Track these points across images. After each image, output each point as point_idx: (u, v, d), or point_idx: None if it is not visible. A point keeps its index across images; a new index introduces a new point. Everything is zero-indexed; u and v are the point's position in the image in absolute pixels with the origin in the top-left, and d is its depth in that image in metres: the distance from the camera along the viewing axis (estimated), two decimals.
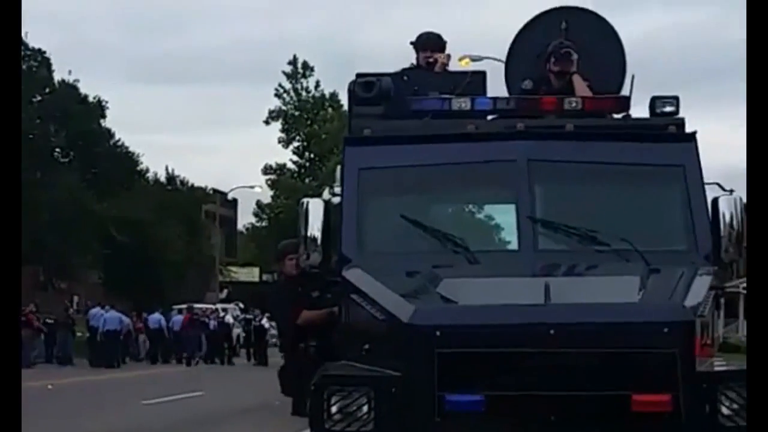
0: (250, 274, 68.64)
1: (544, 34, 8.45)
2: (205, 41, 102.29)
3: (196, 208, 62.23)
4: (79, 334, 38.27)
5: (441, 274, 7.14)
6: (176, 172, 61.53)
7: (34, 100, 46.90)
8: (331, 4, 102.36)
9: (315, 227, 7.62)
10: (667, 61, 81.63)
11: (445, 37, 8.84)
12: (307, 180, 67.35)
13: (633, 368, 6.52)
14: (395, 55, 9.76)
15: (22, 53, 43.87)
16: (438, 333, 6.55)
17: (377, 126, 7.91)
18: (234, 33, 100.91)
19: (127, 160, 53.48)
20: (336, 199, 7.83)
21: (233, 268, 70.03)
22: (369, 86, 7.99)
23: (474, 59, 22.98)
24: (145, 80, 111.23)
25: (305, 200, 7.80)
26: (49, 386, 23.71)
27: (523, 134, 7.75)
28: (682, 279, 6.99)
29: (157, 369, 36.76)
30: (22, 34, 39.14)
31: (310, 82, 69.55)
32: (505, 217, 7.62)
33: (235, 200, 74.04)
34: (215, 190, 67.57)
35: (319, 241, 7.61)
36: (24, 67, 43.32)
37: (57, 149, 50.69)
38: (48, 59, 49.37)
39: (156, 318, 41.11)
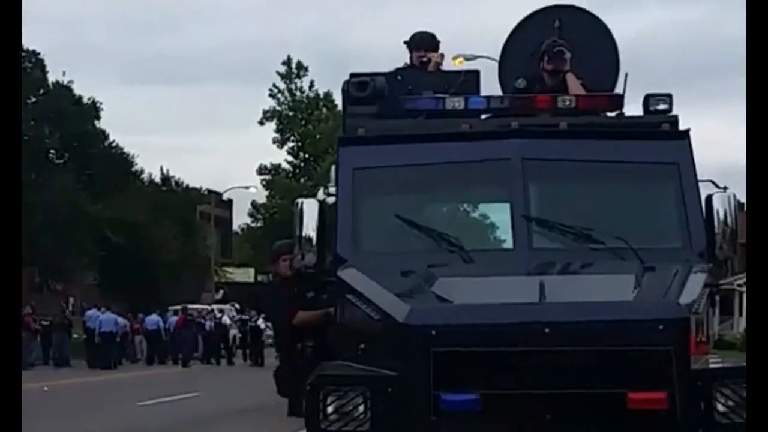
0: (246, 275, 68.60)
1: (537, 33, 8.46)
2: (199, 42, 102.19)
3: (191, 208, 62.21)
4: (75, 335, 38.26)
5: (436, 274, 7.14)
6: (171, 173, 61.60)
7: (29, 101, 46.80)
8: (325, 4, 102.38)
9: (310, 227, 7.62)
10: (661, 58, 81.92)
11: (438, 37, 8.84)
12: (302, 180, 67.35)
13: (628, 366, 6.52)
14: (389, 55, 9.77)
15: None
16: (433, 332, 6.56)
17: (371, 126, 7.91)
18: (228, 33, 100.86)
19: (121, 161, 53.44)
20: (331, 199, 7.83)
21: (229, 269, 69.99)
22: (363, 86, 7.99)
23: (468, 58, 22.97)
24: (139, 81, 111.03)
25: (300, 200, 7.80)
26: (45, 388, 23.69)
27: (517, 133, 7.75)
28: (676, 277, 6.99)
29: (154, 370, 36.75)
30: None
31: (305, 82, 69.65)
32: (499, 215, 7.62)
33: (230, 201, 74.03)
34: (210, 191, 67.53)
35: (314, 242, 7.61)
36: None
37: (51, 150, 50.64)
38: (42, 60, 49.35)
39: (154, 319, 41.10)
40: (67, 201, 45.99)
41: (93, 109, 51.65)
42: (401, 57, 8.80)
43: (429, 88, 8.27)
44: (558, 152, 7.69)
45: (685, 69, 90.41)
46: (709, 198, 7.53)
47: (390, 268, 7.25)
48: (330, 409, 6.63)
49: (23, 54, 46.64)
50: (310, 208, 7.67)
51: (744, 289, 53.41)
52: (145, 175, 58.08)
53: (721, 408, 6.53)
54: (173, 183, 61.37)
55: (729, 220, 7.45)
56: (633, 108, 8.00)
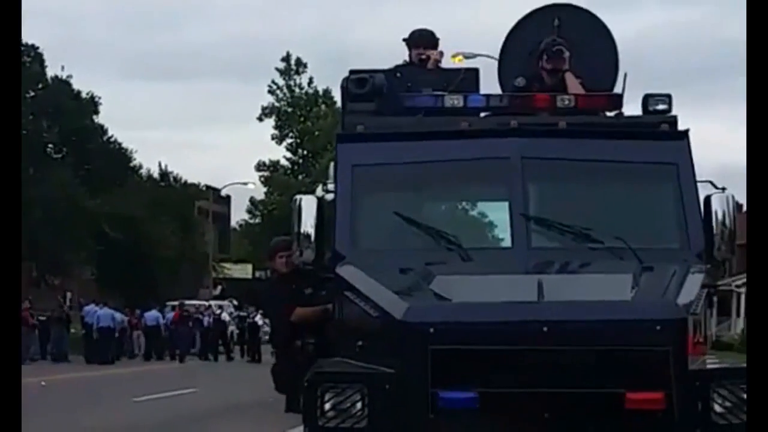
0: (244, 271, 68.56)
1: (537, 32, 8.45)
2: (199, 37, 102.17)
3: (189, 204, 62.18)
4: (72, 330, 38.26)
5: (434, 271, 7.14)
6: (169, 169, 61.55)
7: (27, 95, 46.76)
8: (325, 2, 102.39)
9: (308, 224, 7.62)
10: (661, 59, 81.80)
11: (438, 34, 8.83)
12: (300, 177, 67.24)
13: (626, 366, 6.53)
14: (388, 52, 9.76)
15: None
16: (431, 330, 6.56)
17: (370, 123, 7.91)
18: (227, 29, 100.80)
19: (120, 156, 53.39)
20: (329, 196, 7.83)
21: (226, 265, 69.95)
22: (362, 83, 7.99)
23: (467, 56, 22.91)
24: (139, 76, 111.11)
25: (298, 197, 7.79)
26: (42, 383, 23.69)
27: (517, 131, 7.75)
28: (674, 277, 7.00)
29: (152, 366, 36.75)
30: None
31: (304, 79, 69.50)
32: (498, 214, 7.62)
33: (228, 197, 73.96)
34: (208, 187, 67.51)
35: (312, 238, 7.61)
36: None
37: (50, 145, 50.60)
38: (41, 55, 49.29)
39: (153, 315, 41.13)
40: (65, 196, 45.97)
41: (92, 104, 51.60)
42: (400, 54, 8.80)
43: (428, 85, 8.26)
44: (557, 151, 7.69)
45: (685, 69, 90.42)
46: (707, 198, 7.54)
47: (388, 265, 7.25)
48: (327, 406, 6.63)
49: (22, 48, 46.63)
50: (308, 205, 7.67)
51: (742, 290, 53.51)
52: (143, 171, 58.10)
53: (718, 408, 6.53)
54: (171, 178, 61.33)
55: (727, 220, 7.45)
56: (632, 108, 8.01)
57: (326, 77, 72.58)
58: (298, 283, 8.42)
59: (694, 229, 7.44)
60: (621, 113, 8.00)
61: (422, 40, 8.73)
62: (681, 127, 7.82)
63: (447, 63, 9.08)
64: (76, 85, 50.84)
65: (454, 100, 7.89)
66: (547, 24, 8.48)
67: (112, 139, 53.30)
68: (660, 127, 7.80)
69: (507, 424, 6.55)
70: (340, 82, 8.31)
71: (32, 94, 48.08)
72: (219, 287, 65.47)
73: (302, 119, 68.69)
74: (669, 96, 7.83)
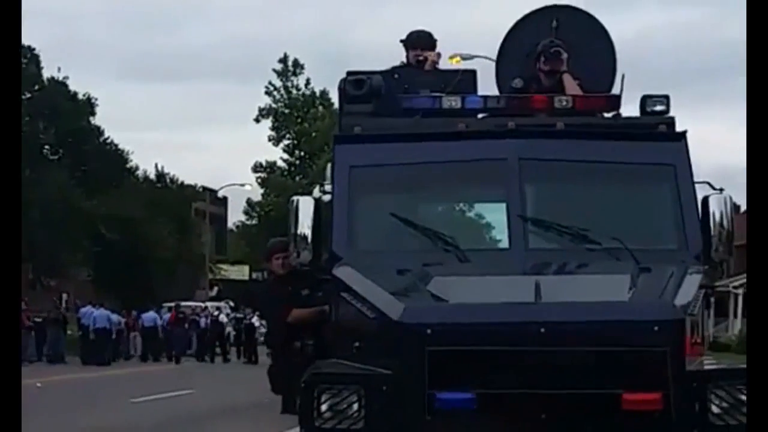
0: (241, 272, 68.59)
1: (534, 33, 8.46)
2: (196, 39, 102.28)
3: (186, 205, 62.15)
4: (69, 332, 38.22)
5: (431, 273, 7.14)
6: (166, 170, 61.54)
7: (24, 97, 46.77)
8: (322, 2, 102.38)
9: (305, 225, 7.61)
10: (659, 60, 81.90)
11: (435, 36, 8.83)
12: (297, 178, 67.28)
13: (623, 367, 6.52)
14: (386, 54, 9.75)
15: None
16: (429, 331, 6.55)
17: (368, 124, 7.90)
18: (224, 30, 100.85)
19: (116, 157, 53.42)
20: (326, 197, 7.82)
21: (223, 266, 69.97)
22: (359, 84, 7.98)
23: (465, 58, 22.94)
24: (135, 77, 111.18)
25: (295, 198, 7.79)
26: (38, 384, 23.66)
27: (514, 133, 7.75)
28: (672, 278, 6.99)
29: (149, 367, 36.73)
30: None
31: (301, 80, 69.59)
32: (495, 215, 7.62)
33: (225, 198, 74.02)
34: (205, 188, 67.51)
35: (309, 239, 7.60)
36: None
37: (46, 146, 50.63)
38: (37, 56, 49.32)
39: (151, 316, 41.13)
40: (62, 197, 45.97)
41: (88, 105, 51.65)
42: (398, 55, 8.81)
43: (426, 87, 8.27)
44: (554, 152, 7.68)
45: (683, 70, 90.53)
46: (705, 199, 7.54)
47: (385, 266, 7.25)
48: (324, 407, 6.63)
49: None
50: (305, 206, 7.66)
51: (740, 291, 53.57)
52: (139, 172, 58.12)
53: (715, 409, 6.53)
54: (168, 180, 61.33)
55: (725, 221, 7.46)
56: (630, 109, 8.01)
57: (323, 78, 72.83)
58: (295, 284, 8.42)
59: (692, 230, 7.44)
60: (619, 114, 8.00)
61: (420, 42, 8.73)
62: (679, 128, 7.83)
63: (444, 64, 9.08)
64: (72, 86, 51.01)
65: (452, 102, 7.88)
66: (545, 25, 8.48)
67: (109, 141, 53.39)
68: (658, 128, 7.80)
69: (504, 425, 6.54)
70: (338, 83, 8.30)
71: (28, 95, 48.09)
72: (215, 288, 65.46)
73: (299, 120, 68.73)
74: (667, 97, 7.83)
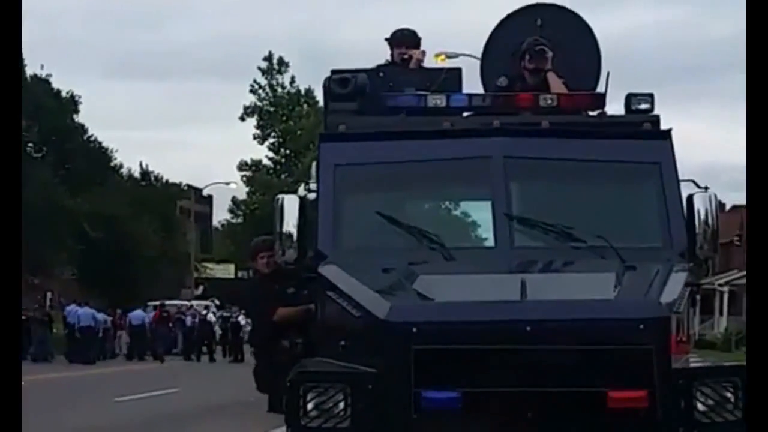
0: (226, 271, 68.45)
1: (519, 32, 8.45)
2: (180, 37, 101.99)
3: (170, 204, 61.98)
4: (54, 330, 38.11)
5: (417, 271, 7.13)
6: (150, 168, 61.38)
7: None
8: (307, 1, 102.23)
9: (290, 224, 7.61)
10: (644, 58, 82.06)
11: (420, 34, 8.83)
12: (282, 176, 67.16)
13: (609, 365, 6.52)
14: (371, 52, 9.75)
15: None
16: (414, 330, 6.54)
17: (353, 122, 7.89)
18: (209, 28, 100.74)
19: (100, 155, 53.23)
20: (311, 196, 7.81)
21: (209, 265, 69.82)
22: (344, 82, 7.97)
23: (450, 56, 22.95)
24: (119, 75, 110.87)
25: (280, 197, 7.78)
26: (23, 383, 23.56)
27: (499, 131, 7.75)
28: (657, 276, 7.00)
29: (135, 366, 36.65)
30: None
31: (286, 78, 69.45)
32: (481, 214, 7.62)
33: (210, 196, 73.84)
34: (190, 186, 67.33)
35: (294, 238, 7.59)
36: None
37: (29, 144, 50.36)
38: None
39: (139, 315, 41.09)
40: (45, 195, 45.76)
41: (72, 103, 51.45)
42: (383, 54, 8.80)
43: (410, 85, 8.26)
44: (540, 151, 7.69)
45: (667, 69, 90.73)
46: (690, 198, 7.55)
47: (371, 265, 7.24)
48: (310, 406, 6.62)
49: None
50: (290, 205, 7.65)
51: (725, 289, 53.69)
52: (124, 170, 57.96)
53: (701, 407, 6.54)
54: (152, 178, 61.17)
55: (710, 219, 7.47)
56: (615, 107, 8.02)
57: (308, 77, 72.65)
58: (280, 283, 8.41)
59: (677, 228, 7.45)
60: (604, 112, 8.01)
61: (404, 40, 8.72)
62: (664, 126, 7.84)
63: (429, 62, 9.08)
64: (55, 84, 50.75)
65: (437, 100, 7.88)
66: (530, 24, 8.48)
67: (93, 139, 53.16)
68: (643, 127, 7.81)
69: (490, 423, 6.53)
70: (323, 81, 8.29)
71: None
72: (201, 287, 65.32)
73: (284, 119, 68.61)
74: (651, 95, 7.84)
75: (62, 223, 46.89)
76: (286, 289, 8.42)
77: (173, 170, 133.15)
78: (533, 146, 7.72)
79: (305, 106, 67.98)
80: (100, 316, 38.77)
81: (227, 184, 67.70)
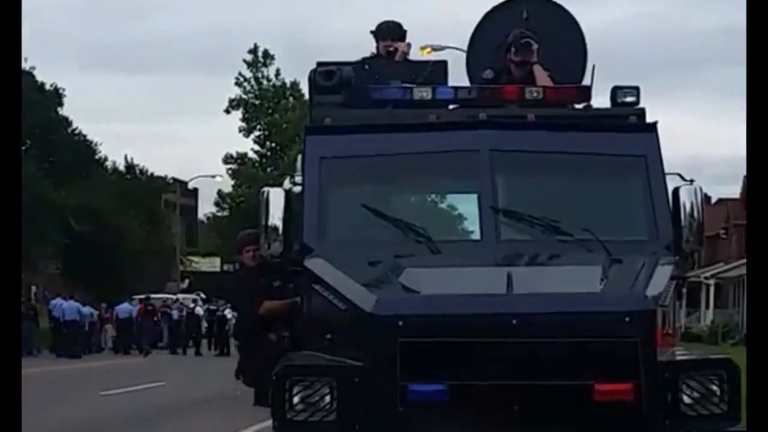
0: (212, 264, 68.40)
1: (505, 24, 8.46)
2: (165, 29, 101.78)
3: (156, 197, 61.86)
4: (40, 324, 37.99)
5: (403, 264, 7.12)
6: (135, 161, 61.24)
7: None
8: None
9: (276, 217, 7.59)
10: (630, 50, 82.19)
11: (406, 26, 8.82)
12: (268, 169, 67.12)
13: (595, 358, 6.52)
14: (356, 44, 9.73)
15: None
16: (400, 323, 6.54)
17: (338, 115, 7.88)
18: (194, 21, 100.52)
19: (85, 148, 53.08)
20: (297, 189, 7.79)
21: (194, 258, 69.76)
22: (329, 75, 7.96)
23: (435, 49, 22.96)
24: (103, 68, 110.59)
25: (266, 189, 7.76)
26: None
27: (485, 124, 7.74)
28: (643, 269, 7.01)
29: (121, 359, 36.58)
30: None
31: (271, 71, 69.38)
32: (467, 206, 7.61)
33: (195, 189, 73.81)
34: (175, 180, 67.22)
35: (280, 231, 7.58)
36: None
37: None
38: None
39: (126, 308, 41.02)
40: (30, 188, 45.56)
41: (56, 96, 51.29)
42: (368, 46, 8.78)
43: (396, 77, 8.25)
44: (526, 143, 7.69)
45: (652, 61, 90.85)
46: (675, 190, 7.57)
47: (357, 257, 7.22)
48: (296, 399, 6.61)
49: None
50: (276, 197, 7.63)
51: (711, 281, 53.85)
52: (109, 163, 57.81)
53: (687, 399, 6.55)
54: (137, 171, 61.02)
55: (695, 212, 7.49)
56: (600, 100, 8.02)
57: (294, 69, 72.53)
58: (266, 276, 8.40)
59: (663, 220, 7.46)
60: (589, 105, 8.01)
61: (390, 32, 8.71)
62: (649, 119, 7.85)
63: (415, 55, 9.06)
64: (39, 77, 50.56)
65: (423, 93, 7.87)
66: (516, 16, 8.49)
67: (77, 132, 53.01)
68: (628, 119, 7.82)
69: (476, 416, 6.53)
70: (308, 74, 8.27)
71: None
72: (186, 281, 65.25)
73: (270, 111, 68.55)
74: (637, 88, 7.85)
75: (47, 217, 46.71)
76: (272, 282, 8.41)
77: (158, 163, 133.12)
78: (519, 139, 7.71)
79: (291, 98, 67.93)
80: (86, 309, 38.66)
81: (213, 177, 67.72)
